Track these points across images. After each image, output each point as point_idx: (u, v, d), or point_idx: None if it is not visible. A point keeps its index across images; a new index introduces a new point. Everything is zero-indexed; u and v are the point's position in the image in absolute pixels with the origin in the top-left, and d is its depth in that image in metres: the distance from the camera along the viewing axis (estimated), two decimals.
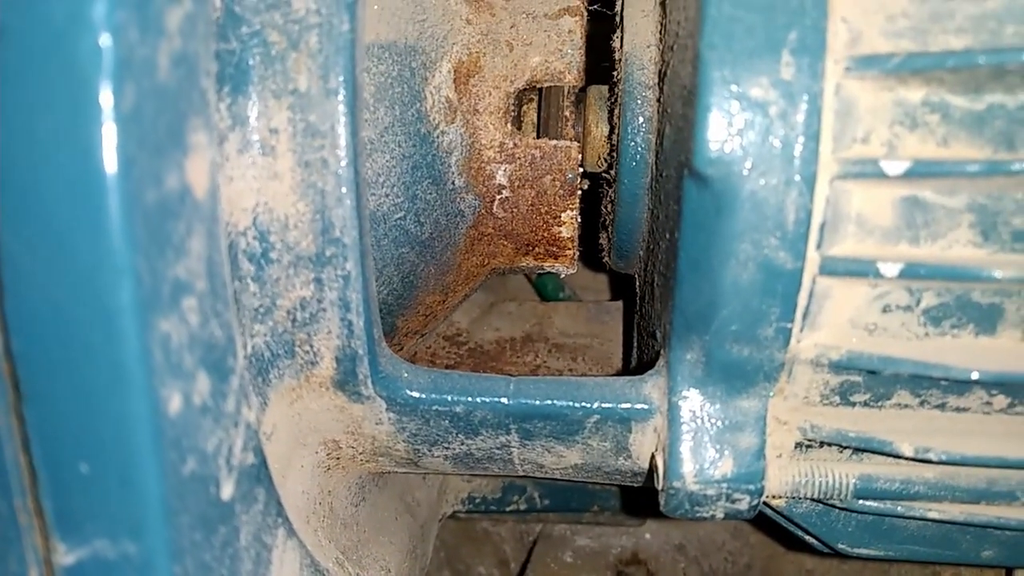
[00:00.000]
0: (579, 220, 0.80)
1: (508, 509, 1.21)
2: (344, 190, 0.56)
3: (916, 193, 0.55)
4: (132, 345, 0.38)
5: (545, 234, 0.80)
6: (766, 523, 0.76)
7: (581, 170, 0.78)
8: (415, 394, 0.66)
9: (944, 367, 0.53)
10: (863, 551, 0.71)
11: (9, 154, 0.36)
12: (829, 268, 0.55)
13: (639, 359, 0.83)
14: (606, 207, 0.87)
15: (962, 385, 0.55)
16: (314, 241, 0.58)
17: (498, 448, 0.70)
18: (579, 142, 0.88)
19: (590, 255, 0.94)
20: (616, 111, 0.79)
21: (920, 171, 0.52)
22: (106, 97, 0.36)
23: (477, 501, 1.19)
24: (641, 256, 0.82)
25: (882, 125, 0.54)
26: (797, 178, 0.53)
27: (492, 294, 1.22)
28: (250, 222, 0.57)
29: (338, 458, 0.73)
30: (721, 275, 0.56)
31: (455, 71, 0.75)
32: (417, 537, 1.02)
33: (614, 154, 0.81)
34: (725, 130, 0.53)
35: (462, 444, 0.69)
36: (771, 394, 0.61)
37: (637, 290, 0.86)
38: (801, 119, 0.52)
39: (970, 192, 0.54)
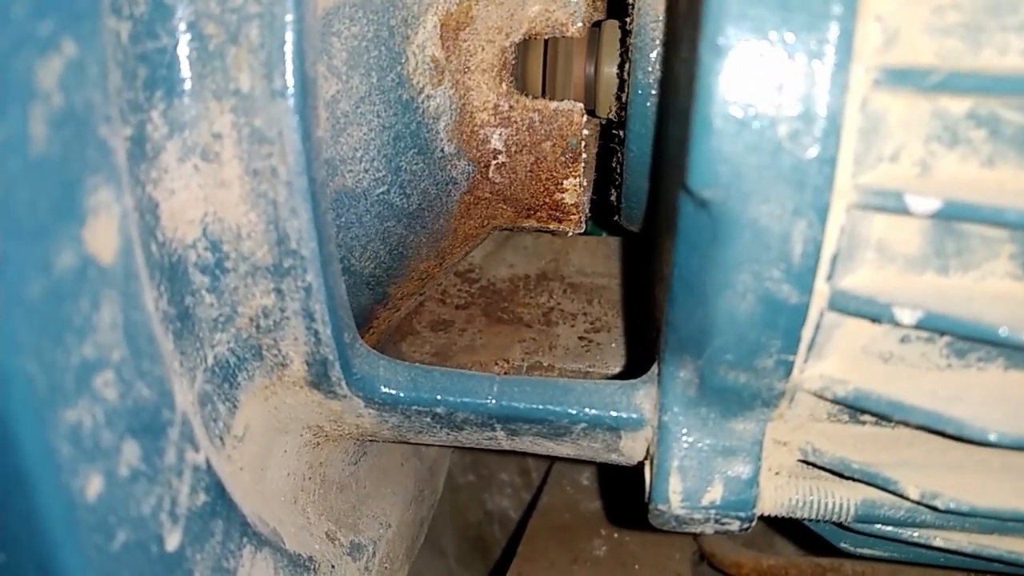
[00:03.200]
0: (584, 186, 0.73)
1: None
2: (298, 201, 0.51)
3: (957, 209, 0.47)
4: (29, 450, 0.35)
5: (547, 200, 0.74)
6: None
7: (585, 133, 0.70)
8: (393, 392, 0.62)
9: (958, 423, 0.47)
10: (867, 551, 0.68)
11: None
12: (839, 304, 0.48)
13: (643, 343, 0.78)
14: (617, 162, 0.79)
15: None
16: (270, 252, 0.53)
17: (485, 439, 0.67)
18: (590, 86, 0.79)
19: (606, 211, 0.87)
20: (629, 58, 0.70)
21: (952, 212, 0.44)
22: None
23: None
24: (651, 223, 0.75)
25: (915, 141, 0.46)
26: (807, 207, 0.45)
27: None
28: (199, 233, 0.52)
29: (326, 436, 0.71)
30: (715, 304, 0.50)
31: (442, 25, 0.66)
32: (424, 480, 1.02)
33: (626, 103, 0.72)
34: (725, 149, 0.45)
35: (448, 435, 0.67)
36: (770, 419, 0.56)
37: (650, 257, 0.80)
38: (815, 141, 0.44)
39: (1015, 219, 0.46)
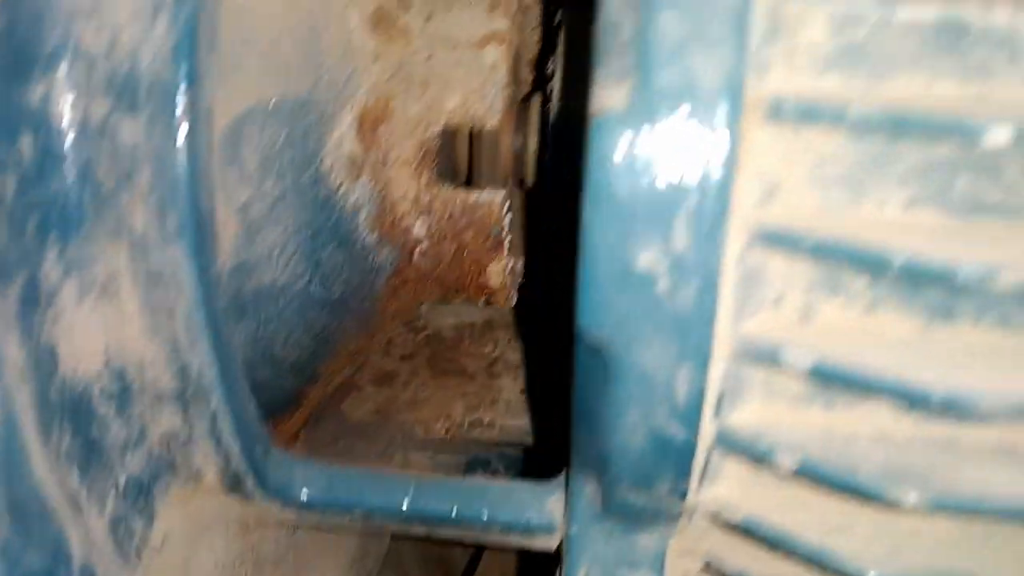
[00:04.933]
0: (510, 268, 0.74)
1: None
2: (196, 335, 0.51)
3: (832, 367, 0.48)
4: None
5: (473, 281, 0.74)
6: None
7: (507, 221, 0.70)
8: (309, 495, 0.63)
9: (839, 559, 0.49)
10: None
11: None
12: (725, 441, 0.49)
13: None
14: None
15: None
16: (172, 380, 0.53)
17: (409, 532, 0.68)
18: (518, 159, 0.80)
19: None
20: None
21: (827, 373, 0.45)
22: None
23: None
24: None
25: (795, 290, 0.47)
26: (689, 355, 0.46)
27: None
28: (102, 365, 0.52)
29: (254, 524, 0.72)
30: (610, 437, 0.51)
31: (360, 120, 0.66)
32: (368, 536, 1.03)
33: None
34: (609, 300, 0.46)
35: (369, 529, 0.68)
36: (671, 534, 0.57)
37: None
38: (693, 294, 0.45)
39: (897, 365, 0.47)
